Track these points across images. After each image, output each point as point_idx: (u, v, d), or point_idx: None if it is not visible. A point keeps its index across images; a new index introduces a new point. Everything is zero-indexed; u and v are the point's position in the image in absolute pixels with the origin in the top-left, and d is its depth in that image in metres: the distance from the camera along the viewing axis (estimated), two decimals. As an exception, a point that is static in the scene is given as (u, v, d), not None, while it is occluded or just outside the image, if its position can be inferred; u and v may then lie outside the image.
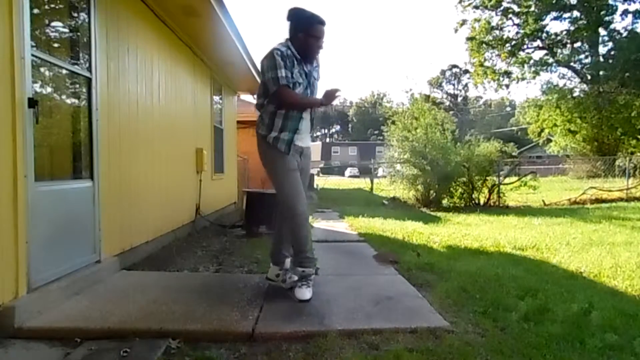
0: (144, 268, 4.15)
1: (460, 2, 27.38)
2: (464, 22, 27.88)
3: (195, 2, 4.90)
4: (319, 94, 3.30)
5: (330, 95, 3.21)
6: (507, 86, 28.69)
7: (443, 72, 64.99)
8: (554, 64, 26.89)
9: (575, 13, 25.48)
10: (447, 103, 61.20)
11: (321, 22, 3.16)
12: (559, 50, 26.91)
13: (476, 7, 27.11)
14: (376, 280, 3.66)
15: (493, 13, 26.92)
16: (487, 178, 12.53)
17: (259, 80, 8.93)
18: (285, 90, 3.06)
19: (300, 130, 3.21)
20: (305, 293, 3.06)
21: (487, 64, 28.03)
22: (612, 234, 6.83)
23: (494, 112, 62.89)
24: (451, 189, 12.41)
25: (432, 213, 10.93)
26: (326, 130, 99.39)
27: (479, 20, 27.38)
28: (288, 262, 3.37)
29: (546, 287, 3.59)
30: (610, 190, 13.56)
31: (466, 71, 53.70)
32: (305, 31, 3.12)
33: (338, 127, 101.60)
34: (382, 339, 2.47)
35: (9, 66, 2.59)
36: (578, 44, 26.67)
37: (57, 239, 3.06)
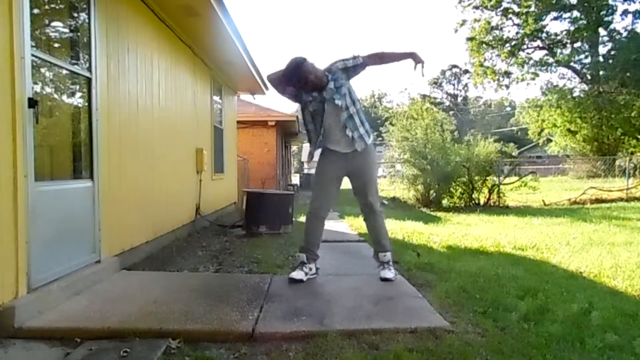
0: (144, 268, 4.15)
1: (460, 2, 27.38)
2: (464, 22, 27.86)
3: (195, 2, 4.90)
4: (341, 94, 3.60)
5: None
6: (507, 86, 28.70)
7: (443, 72, 64.77)
8: (554, 64, 26.86)
9: (575, 13, 25.43)
10: (447, 103, 61.09)
11: (290, 70, 3.45)
12: (559, 50, 26.87)
13: (476, 7, 27.08)
14: (376, 280, 3.65)
15: (493, 13, 26.89)
16: (487, 178, 12.53)
17: (259, 80, 8.97)
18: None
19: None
20: (388, 273, 3.65)
21: (487, 64, 28.00)
22: (612, 234, 6.83)
23: (494, 112, 62.65)
24: (451, 189, 12.42)
25: (432, 213, 10.93)
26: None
27: (478, 21, 27.36)
28: (381, 255, 3.75)
29: (546, 287, 3.59)
30: (610, 190, 13.55)
31: (466, 71, 53.58)
32: (295, 83, 3.52)
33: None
34: (382, 339, 2.47)
35: (9, 66, 2.58)
36: (578, 44, 26.62)
37: (57, 238, 3.06)
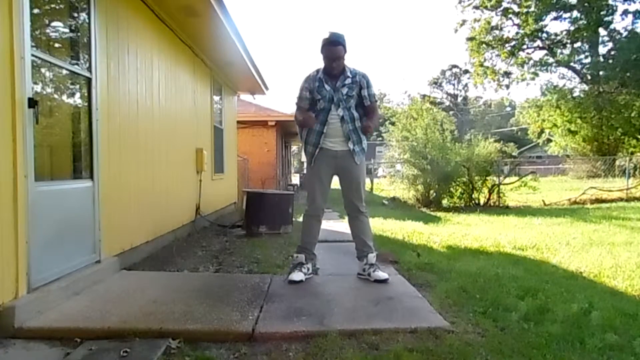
0: (144, 268, 4.15)
1: (460, 2, 27.35)
2: (463, 22, 27.82)
3: (195, 2, 4.90)
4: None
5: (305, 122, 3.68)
6: (507, 86, 28.68)
7: (443, 72, 64.75)
8: (554, 64, 26.85)
9: (575, 13, 25.42)
10: (447, 103, 61.05)
11: (327, 42, 3.54)
12: (559, 51, 26.84)
13: (476, 8, 27.04)
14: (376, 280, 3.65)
15: (493, 13, 26.87)
16: (487, 178, 12.54)
17: (259, 80, 8.98)
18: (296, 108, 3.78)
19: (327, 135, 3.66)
20: (381, 274, 3.60)
21: (487, 64, 27.97)
22: (612, 234, 6.83)
23: (494, 112, 62.59)
24: (451, 189, 12.42)
25: (432, 213, 10.93)
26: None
27: (478, 21, 27.33)
28: (371, 257, 3.69)
29: (546, 287, 3.59)
30: (610, 190, 13.56)
31: (466, 71, 53.55)
32: (322, 53, 3.59)
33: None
34: (382, 339, 2.47)
35: (9, 66, 2.58)
36: (578, 44, 26.60)
37: (57, 239, 3.06)
